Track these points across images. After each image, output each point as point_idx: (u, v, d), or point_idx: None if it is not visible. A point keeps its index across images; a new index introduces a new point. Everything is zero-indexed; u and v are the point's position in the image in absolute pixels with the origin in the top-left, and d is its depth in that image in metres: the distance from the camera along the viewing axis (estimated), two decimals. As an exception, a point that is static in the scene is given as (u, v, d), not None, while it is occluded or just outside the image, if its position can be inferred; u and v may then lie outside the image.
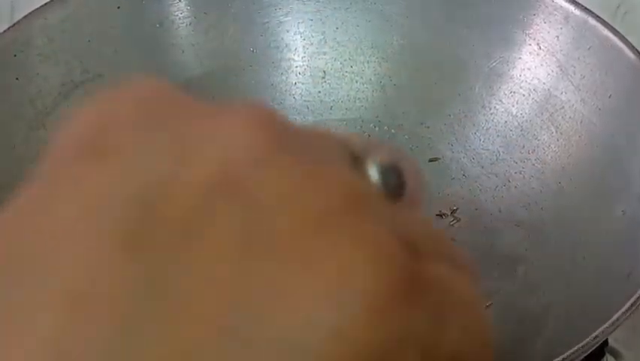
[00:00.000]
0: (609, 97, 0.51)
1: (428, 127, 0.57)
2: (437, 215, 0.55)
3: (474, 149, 0.56)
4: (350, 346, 0.15)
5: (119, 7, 0.56)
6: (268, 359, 0.15)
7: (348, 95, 0.59)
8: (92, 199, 0.16)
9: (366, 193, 0.17)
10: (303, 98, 0.59)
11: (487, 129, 0.56)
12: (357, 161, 0.18)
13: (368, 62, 0.59)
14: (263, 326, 0.15)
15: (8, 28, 0.52)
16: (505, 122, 0.55)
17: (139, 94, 0.19)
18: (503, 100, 0.56)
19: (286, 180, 0.16)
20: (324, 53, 0.59)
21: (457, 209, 0.55)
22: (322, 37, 0.59)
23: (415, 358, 0.16)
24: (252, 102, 0.18)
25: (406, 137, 0.58)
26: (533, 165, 0.54)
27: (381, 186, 0.18)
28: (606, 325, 0.39)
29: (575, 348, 0.39)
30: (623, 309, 0.40)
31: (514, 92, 0.55)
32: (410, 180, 0.19)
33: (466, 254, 0.19)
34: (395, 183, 0.19)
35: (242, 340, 0.15)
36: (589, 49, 0.52)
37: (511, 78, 0.55)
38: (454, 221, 0.54)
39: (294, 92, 0.59)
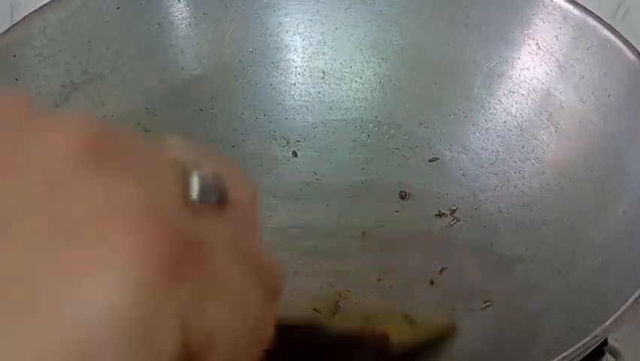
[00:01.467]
0: (608, 97, 0.51)
1: (428, 127, 0.57)
2: (437, 215, 0.55)
3: (474, 149, 0.56)
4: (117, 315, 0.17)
5: (118, 8, 0.56)
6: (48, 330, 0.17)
7: (347, 96, 0.59)
8: None
9: (164, 197, 0.19)
10: (303, 98, 0.59)
11: (486, 129, 0.56)
12: (182, 174, 0.20)
13: (367, 63, 0.59)
14: (44, 299, 0.17)
15: (8, 29, 0.52)
16: (505, 122, 0.55)
17: None
18: (502, 100, 0.56)
19: (102, 183, 0.18)
20: (324, 54, 0.59)
21: (456, 209, 0.55)
22: (321, 37, 0.59)
23: (175, 328, 0.18)
24: (78, 116, 0.19)
25: (406, 137, 0.58)
26: (533, 164, 0.54)
27: (200, 200, 0.20)
28: (606, 324, 0.39)
29: (575, 348, 0.39)
30: (623, 308, 0.40)
31: (513, 92, 0.55)
32: (237, 197, 0.21)
33: (278, 275, 0.21)
34: (213, 198, 0.21)
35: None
36: (588, 49, 0.52)
37: (510, 78, 0.55)
38: (454, 221, 0.54)
39: (293, 93, 0.59)
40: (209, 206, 0.20)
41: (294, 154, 0.58)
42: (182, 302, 0.18)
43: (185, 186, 0.20)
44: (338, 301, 0.51)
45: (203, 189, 0.20)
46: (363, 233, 0.54)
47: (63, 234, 0.18)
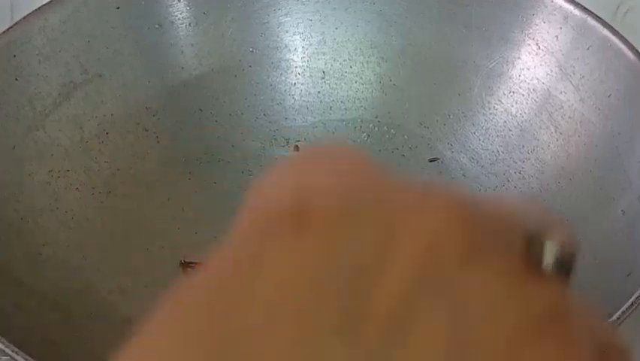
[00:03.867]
0: (608, 97, 0.51)
1: (428, 127, 0.57)
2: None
3: (473, 149, 0.56)
4: None
5: (118, 8, 0.56)
6: None
7: (347, 96, 0.59)
8: (305, 276, 0.16)
9: (566, 301, 0.18)
10: (303, 98, 0.59)
11: (486, 129, 0.56)
12: (533, 241, 0.19)
13: (367, 62, 0.59)
14: None
15: (8, 29, 0.52)
16: (505, 122, 0.55)
17: (340, 165, 0.18)
18: (503, 100, 0.56)
19: (490, 286, 0.17)
20: (324, 54, 0.59)
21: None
22: (322, 37, 0.59)
23: None
24: (448, 187, 0.18)
25: (406, 137, 0.58)
26: (533, 164, 0.54)
27: (553, 270, 0.19)
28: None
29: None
30: (623, 308, 0.40)
31: (513, 92, 0.55)
32: (569, 270, 0.20)
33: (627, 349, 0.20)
34: (567, 269, 0.19)
35: None
36: (588, 49, 0.52)
37: (510, 78, 0.55)
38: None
39: (293, 93, 0.59)
40: (558, 275, 0.19)
41: (297, 148, 0.58)
42: None
43: (538, 253, 0.19)
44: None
45: (557, 258, 0.19)
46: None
47: (472, 355, 0.16)
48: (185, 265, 0.52)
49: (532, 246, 0.19)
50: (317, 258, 0.16)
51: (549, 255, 0.19)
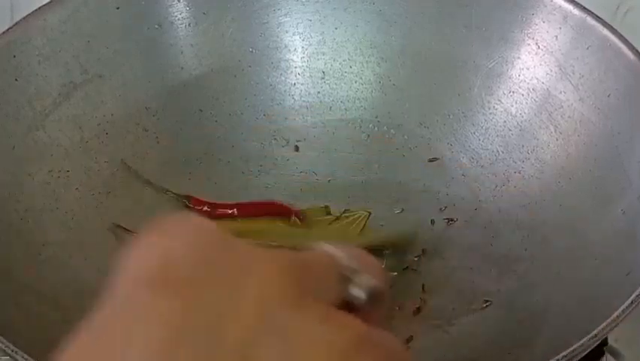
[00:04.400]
0: (608, 96, 0.51)
1: (427, 127, 0.57)
2: (437, 215, 0.55)
3: (473, 149, 0.56)
4: None
5: (118, 8, 0.56)
6: None
7: (347, 96, 0.59)
8: (168, 329, 0.20)
9: (365, 329, 0.23)
10: (303, 98, 0.59)
11: (486, 129, 0.56)
12: (346, 279, 0.25)
13: (367, 63, 0.59)
14: None
15: (8, 29, 0.52)
16: (505, 121, 0.55)
17: (195, 235, 0.23)
18: (502, 100, 0.56)
19: (311, 324, 0.22)
20: (323, 54, 0.59)
21: (456, 209, 0.55)
22: (321, 37, 0.59)
23: None
24: (279, 252, 0.23)
25: (406, 137, 0.58)
26: (533, 164, 0.54)
27: (363, 302, 0.25)
28: (605, 323, 0.39)
29: (574, 347, 0.39)
30: (622, 308, 0.40)
31: (513, 92, 0.55)
32: (383, 297, 0.26)
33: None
34: (374, 301, 0.25)
35: None
36: (588, 48, 0.52)
37: (510, 78, 0.55)
38: (454, 221, 0.54)
39: (293, 93, 0.59)
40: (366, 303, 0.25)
41: (296, 148, 0.58)
42: None
43: (351, 294, 0.25)
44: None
45: (367, 293, 0.25)
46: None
47: None
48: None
49: (347, 285, 0.25)
50: (175, 316, 0.21)
51: (360, 291, 0.25)
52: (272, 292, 0.22)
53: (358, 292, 0.25)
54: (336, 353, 0.22)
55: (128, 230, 0.51)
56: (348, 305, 0.25)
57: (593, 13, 0.52)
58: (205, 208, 0.54)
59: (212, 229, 0.23)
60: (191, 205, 0.54)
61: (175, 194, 0.54)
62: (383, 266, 0.52)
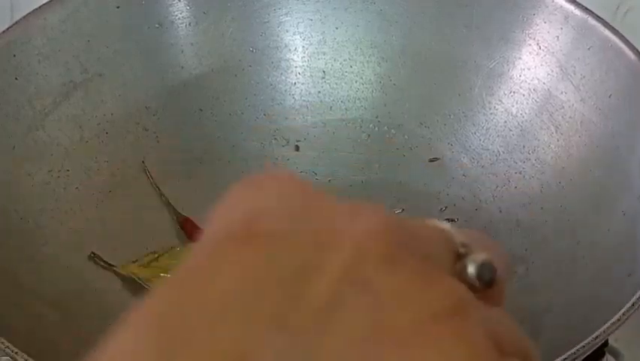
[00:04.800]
0: (609, 97, 0.51)
1: (428, 127, 0.57)
2: (437, 215, 0.55)
3: (474, 149, 0.56)
4: None
5: (118, 7, 0.56)
6: None
7: (347, 95, 0.59)
8: (249, 280, 0.19)
9: (467, 299, 0.21)
10: (303, 98, 0.59)
11: (487, 129, 0.56)
12: (459, 256, 0.23)
13: (368, 62, 0.59)
14: None
15: (8, 28, 0.52)
16: (505, 122, 0.55)
17: (283, 189, 0.22)
18: (503, 100, 0.56)
19: (406, 283, 0.20)
20: (324, 53, 0.59)
21: (456, 209, 0.55)
22: (322, 37, 0.59)
23: None
24: (374, 207, 0.21)
25: (406, 137, 0.58)
26: (533, 165, 0.54)
27: (475, 280, 0.22)
28: (607, 325, 0.39)
29: (576, 348, 0.39)
30: (624, 309, 0.40)
31: (514, 92, 0.55)
32: (500, 278, 0.23)
33: (535, 349, 0.23)
34: (487, 280, 0.23)
35: None
36: (589, 49, 0.52)
37: (511, 78, 0.55)
38: (453, 221, 0.54)
39: (293, 92, 0.59)
40: (479, 287, 0.23)
41: (297, 148, 0.58)
42: None
43: (464, 270, 0.23)
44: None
45: (479, 275, 0.22)
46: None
47: (387, 336, 0.19)
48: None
49: (460, 263, 0.22)
50: (257, 267, 0.20)
51: (471, 266, 0.22)
52: (367, 249, 0.20)
53: (476, 271, 0.22)
54: (437, 317, 0.20)
55: (105, 262, 0.51)
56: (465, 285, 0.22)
57: (594, 13, 0.52)
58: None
59: (305, 185, 0.22)
60: (183, 227, 0.53)
61: (175, 211, 0.54)
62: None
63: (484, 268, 0.22)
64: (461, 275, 0.22)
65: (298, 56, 0.59)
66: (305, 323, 0.19)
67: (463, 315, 0.20)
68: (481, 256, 0.23)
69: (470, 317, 0.20)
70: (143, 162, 0.54)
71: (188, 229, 0.53)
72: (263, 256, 0.20)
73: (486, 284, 0.22)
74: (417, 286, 0.20)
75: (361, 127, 0.59)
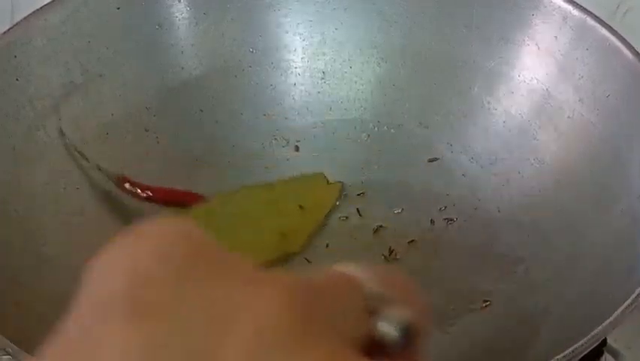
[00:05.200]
0: (608, 97, 0.51)
1: (427, 127, 0.57)
2: (436, 215, 0.55)
3: (473, 149, 0.56)
4: None
5: (118, 8, 0.56)
6: None
7: (347, 96, 0.59)
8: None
9: None
10: (303, 98, 0.59)
11: (486, 129, 0.56)
12: (371, 311, 0.20)
13: (367, 63, 0.59)
14: None
15: (8, 29, 0.52)
16: (505, 122, 0.55)
17: (165, 243, 0.19)
18: (502, 100, 0.56)
19: None
20: (324, 54, 0.59)
21: (456, 209, 0.55)
22: (321, 37, 0.59)
23: None
24: (277, 274, 0.19)
25: (405, 137, 0.58)
26: (532, 164, 0.54)
27: (389, 339, 0.20)
28: (605, 324, 0.39)
29: (574, 347, 0.39)
30: (622, 308, 0.40)
31: (513, 92, 0.55)
32: (417, 334, 0.21)
33: None
34: (402, 339, 0.20)
35: None
36: (587, 49, 0.52)
37: (510, 78, 0.55)
38: (454, 221, 0.54)
39: (293, 93, 0.59)
40: (393, 346, 0.20)
41: (296, 148, 0.58)
42: None
43: (375, 328, 0.20)
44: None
45: (400, 329, 0.20)
46: (363, 233, 0.54)
47: None
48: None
49: (375, 319, 0.20)
50: (150, 342, 0.17)
51: (384, 324, 0.20)
52: (270, 329, 0.18)
53: (389, 329, 0.20)
54: None
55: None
56: (377, 344, 0.20)
57: (592, 13, 0.52)
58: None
59: (199, 238, 0.19)
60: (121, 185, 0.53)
61: (107, 173, 0.53)
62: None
63: (398, 325, 0.20)
64: (374, 333, 0.20)
65: (298, 57, 0.59)
66: None
67: None
68: (396, 312, 0.20)
69: None
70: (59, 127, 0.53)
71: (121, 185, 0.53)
72: (147, 340, 0.17)
73: (401, 345, 0.20)
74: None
75: (361, 127, 0.59)
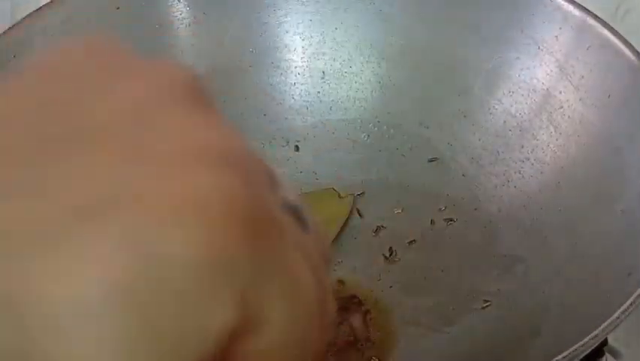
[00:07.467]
0: (608, 97, 0.51)
1: (427, 127, 0.57)
2: (436, 215, 0.55)
3: (473, 149, 0.56)
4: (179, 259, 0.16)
5: (118, 8, 0.56)
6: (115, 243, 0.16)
7: (347, 96, 0.59)
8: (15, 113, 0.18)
9: (241, 150, 0.19)
10: (303, 98, 0.59)
11: (486, 129, 0.56)
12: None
13: (367, 62, 0.59)
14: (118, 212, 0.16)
15: (8, 29, 0.52)
16: (504, 122, 0.56)
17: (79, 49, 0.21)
18: (502, 100, 0.56)
19: (189, 122, 0.19)
20: (324, 54, 0.59)
21: (456, 209, 0.55)
22: (321, 37, 0.59)
23: (233, 298, 0.17)
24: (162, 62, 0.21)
25: (405, 137, 0.58)
26: (532, 164, 0.54)
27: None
28: (605, 324, 0.39)
29: (575, 347, 0.39)
30: (623, 308, 0.40)
31: (513, 92, 0.55)
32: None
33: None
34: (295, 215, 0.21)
35: (96, 222, 0.16)
36: (588, 49, 0.52)
37: (510, 78, 0.55)
38: (454, 221, 0.54)
39: (293, 93, 0.59)
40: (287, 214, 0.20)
41: (297, 148, 0.58)
42: (247, 273, 0.17)
43: (275, 183, 0.21)
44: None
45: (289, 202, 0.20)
46: (363, 233, 0.54)
47: (144, 155, 0.17)
48: None
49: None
50: (33, 90, 0.19)
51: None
52: (164, 89, 0.19)
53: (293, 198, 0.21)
54: (202, 150, 0.18)
55: None
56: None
57: (593, 13, 0.52)
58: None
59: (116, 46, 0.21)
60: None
61: None
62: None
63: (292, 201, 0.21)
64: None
65: (298, 57, 0.59)
66: (65, 138, 0.18)
67: (232, 163, 0.18)
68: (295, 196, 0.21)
69: (240, 167, 0.18)
70: None
71: None
72: (46, 83, 0.19)
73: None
74: (198, 125, 0.19)
75: (361, 127, 0.59)
